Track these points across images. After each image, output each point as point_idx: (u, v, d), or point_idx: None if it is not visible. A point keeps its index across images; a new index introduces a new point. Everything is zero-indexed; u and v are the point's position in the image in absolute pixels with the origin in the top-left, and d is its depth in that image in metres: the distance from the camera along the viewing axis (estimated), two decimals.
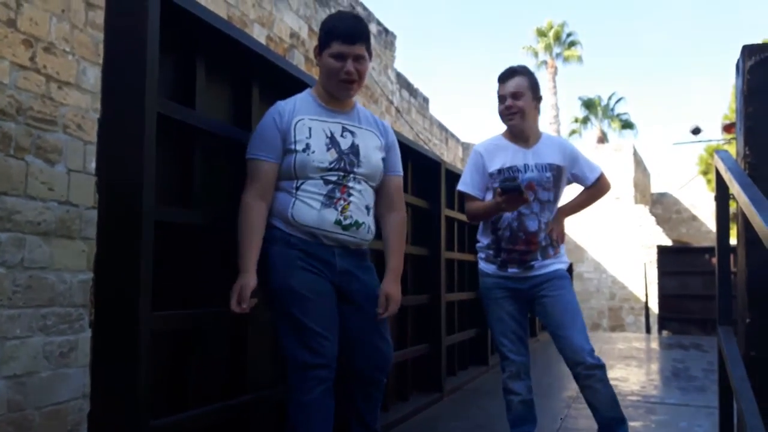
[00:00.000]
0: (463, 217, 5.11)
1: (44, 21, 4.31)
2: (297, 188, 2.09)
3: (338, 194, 2.10)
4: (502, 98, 2.58)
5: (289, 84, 2.54)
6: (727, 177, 1.96)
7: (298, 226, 2.08)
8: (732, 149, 18.37)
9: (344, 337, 2.14)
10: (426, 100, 12.25)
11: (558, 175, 2.59)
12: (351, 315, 2.17)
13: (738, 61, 2.16)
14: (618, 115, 30.91)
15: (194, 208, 2.14)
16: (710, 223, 21.05)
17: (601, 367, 2.43)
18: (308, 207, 2.08)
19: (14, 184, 4.08)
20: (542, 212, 2.56)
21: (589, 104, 30.92)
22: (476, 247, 2.74)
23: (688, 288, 10.25)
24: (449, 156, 13.50)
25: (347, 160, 2.13)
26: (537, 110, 2.61)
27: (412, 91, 11.44)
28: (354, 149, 2.16)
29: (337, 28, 2.10)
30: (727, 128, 15.33)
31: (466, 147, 14.77)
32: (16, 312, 4.05)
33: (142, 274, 1.77)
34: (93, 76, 4.67)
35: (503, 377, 2.62)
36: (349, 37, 2.09)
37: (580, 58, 29.67)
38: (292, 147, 2.08)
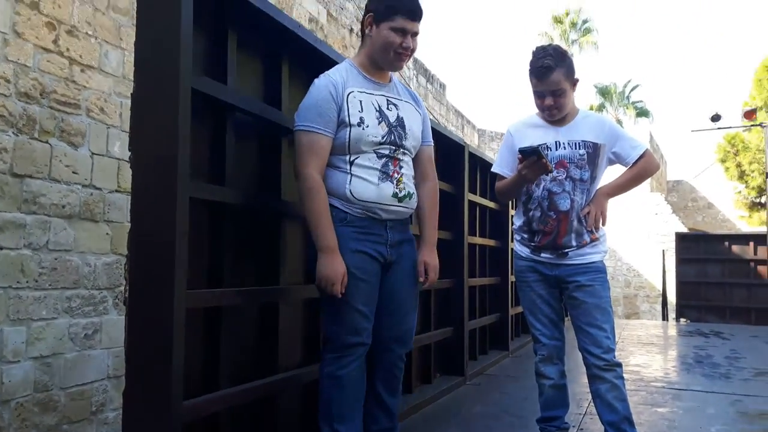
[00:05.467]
0: (486, 202, 5.10)
1: (67, 4, 4.31)
2: (351, 163, 2.09)
3: (392, 167, 2.14)
4: (539, 94, 2.46)
5: (319, 61, 2.51)
6: None
7: (356, 203, 2.08)
8: (752, 137, 18.09)
9: (378, 305, 2.17)
10: (443, 86, 12.16)
11: (594, 153, 2.47)
12: (391, 284, 2.19)
13: None
14: (633, 103, 30.61)
15: (225, 184, 2.12)
16: (727, 211, 20.83)
17: (621, 366, 2.41)
18: (366, 182, 2.09)
19: (39, 167, 4.10)
20: (575, 191, 2.45)
21: (604, 92, 30.62)
22: (513, 229, 2.71)
23: (707, 276, 10.15)
24: None
25: (396, 134, 2.15)
26: (573, 90, 2.50)
27: (429, 77, 11.36)
28: (400, 122, 2.18)
29: (402, 3, 2.11)
30: (748, 114, 15.08)
31: (482, 134, 14.68)
32: (42, 293, 4.09)
33: (178, 251, 1.75)
34: (115, 60, 4.67)
35: (535, 360, 2.58)
36: (413, 13, 2.11)
37: (596, 45, 29.40)
38: (347, 120, 2.06)
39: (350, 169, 2.08)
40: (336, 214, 2.08)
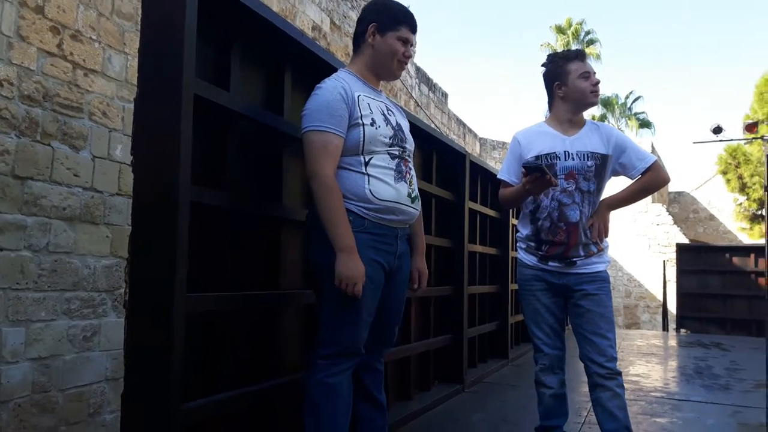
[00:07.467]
0: (487, 211, 5.11)
1: (71, 8, 4.33)
2: (366, 164, 2.07)
3: (404, 168, 2.17)
4: (585, 75, 2.47)
5: (321, 70, 2.53)
6: None
7: (377, 203, 2.06)
8: (753, 149, 18.12)
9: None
10: (445, 95, 12.20)
11: (602, 165, 2.46)
12: (387, 293, 2.19)
13: None
14: (635, 114, 30.68)
15: (226, 189, 2.13)
16: (729, 223, 20.82)
17: (621, 375, 2.43)
18: (384, 183, 2.09)
19: (40, 169, 4.10)
20: (584, 203, 2.44)
21: (606, 103, 30.68)
22: (516, 237, 2.69)
23: (707, 287, 10.14)
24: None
25: (399, 136, 2.19)
26: None
27: (431, 86, 11.39)
28: (399, 127, 2.22)
29: (406, 15, 2.23)
30: (749, 127, 15.11)
31: (483, 143, 14.71)
32: (41, 295, 4.09)
33: (178, 255, 1.76)
34: (118, 64, 4.69)
35: (536, 369, 2.57)
36: (414, 25, 2.25)
37: (599, 56, 29.45)
38: (359, 121, 2.06)
39: (366, 170, 2.07)
40: (354, 220, 2.03)
